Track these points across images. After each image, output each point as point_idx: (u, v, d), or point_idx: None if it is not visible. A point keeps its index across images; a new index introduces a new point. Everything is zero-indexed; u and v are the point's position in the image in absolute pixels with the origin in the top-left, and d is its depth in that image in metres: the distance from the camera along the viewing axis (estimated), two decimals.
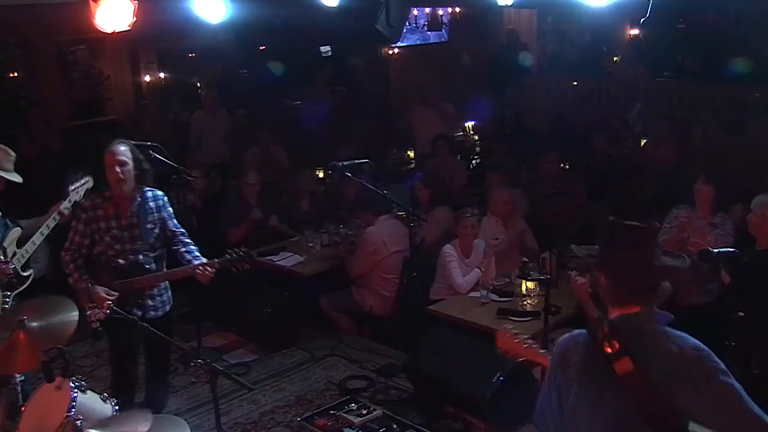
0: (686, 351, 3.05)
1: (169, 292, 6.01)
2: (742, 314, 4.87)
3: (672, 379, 2.99)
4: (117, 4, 5.60)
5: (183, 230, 5.97)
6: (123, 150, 5.56)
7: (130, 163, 5.57)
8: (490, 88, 14.52)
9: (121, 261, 5.63)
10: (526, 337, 4.11)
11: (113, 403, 4.34)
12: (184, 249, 5.89)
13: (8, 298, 5.87)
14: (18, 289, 5.94)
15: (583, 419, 3.13)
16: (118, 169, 5.51)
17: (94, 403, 4.18)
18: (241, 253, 5.70)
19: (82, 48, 11.66)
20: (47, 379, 4.19)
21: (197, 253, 5.89)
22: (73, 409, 3.97)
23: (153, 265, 5.77)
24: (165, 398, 6.25)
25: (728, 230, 6.46)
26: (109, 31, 5.72)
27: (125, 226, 5.66)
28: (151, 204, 5.77)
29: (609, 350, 3.02)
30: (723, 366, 3.05)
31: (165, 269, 5.91)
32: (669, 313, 3.22)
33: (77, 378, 4.17)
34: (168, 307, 5.96)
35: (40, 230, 6.04)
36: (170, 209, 5.92)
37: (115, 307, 5.16)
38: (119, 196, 5.63)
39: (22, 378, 4.85)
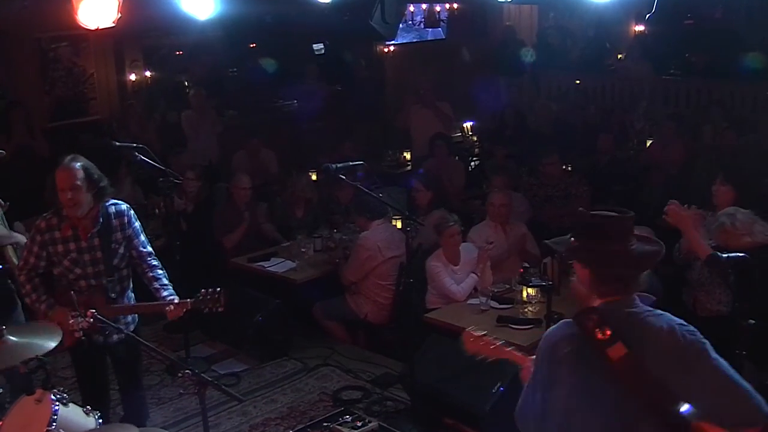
0: (675, 331, 3.17)
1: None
2: (753, 322, 4.86)
3: (664, 359, 3.11)
4: (101, 0, 5.60)
5: (150, 250, 5.71)
6: (75, 172, 5.24)
7: (83, 186, 5.26)
8: (489, 87, 14.54)
9: (82, 284, 5.40)
10: (493, 337, 4.13)
11: (96, 416, 4.32)
12: (151, 274, 5.63)
13: None
14: None
15: (578, 411, 3.19)
16: (69, 195, 5.23)
17: (76, 416, 4.17)
18: (215, 295, 5.45)
19: (64, 45, 11.64)
20: (26, 392, 4.16)
21: (166, 281, 5.65)
22: (54, 423, 3.95)
23: (115, 290, 5.51)
24: (144, 413, 6.13)
25: None
26: (92, 27, 5.72)
27: (85, 248, 5.40)
28: (114, 222, 5.50)
29: (600, 337, 3.13)
30: (710, 344, 3.15)
31: (130, 290, 5.73)
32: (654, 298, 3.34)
33: (59, 390, 4.15)
34: (132, 327, 5.74)
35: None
36: (137, 225, 5.64)
37: (98, 315, 5.13)
38: (75, 218, 5.36)
39: (0, 390, 4.83)
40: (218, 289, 5.44)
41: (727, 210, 5.84)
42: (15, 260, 6.10)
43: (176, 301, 5.49)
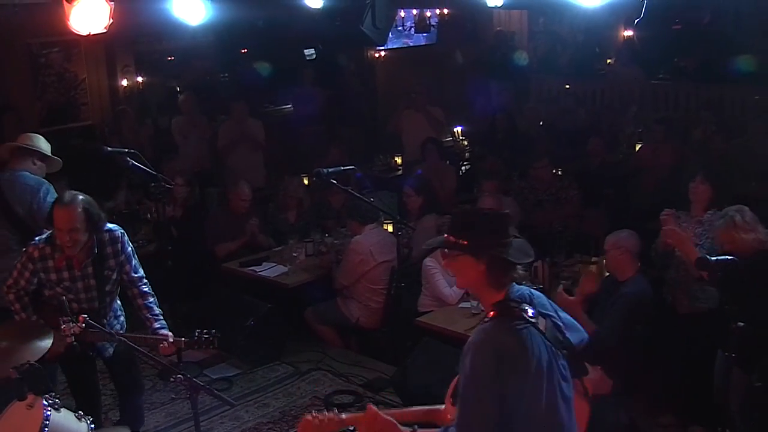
0: None
1: (122, 318, 5.86)
2: (741, 324, 4.88)
3: None
4: (92, 6, 5.59)
5: (142, 274, 5.71)
6: (75, 215, 5.23)
7: (82, 228, 5.26)
8: (480, 92, 14.55)
9: (74, 308, 5.37)
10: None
11: (89, 422, 4.31)
12: (143, 302, 5.65)
13: None
14: None
15: (542, 405, 3.36)
16: (67, 237, 5.24)
17: (68, 421, 4.15)
18: (209, 337, 5.37)
19: (56, 51, 11.62)
20: (18, 397, 4.14)
21: (157, 310, 5.66)
22: (46, 428, 3.93)
23: (106, 312, 5.56)
24: (140, 417, 6.14)
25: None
26: (84, 33, 5.71)
27: (78, 276, 5.42)
28: (108, 249, 5.50)
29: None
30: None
31: (118, 304, 5.77)
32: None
33: (50, 396, 4.13)
34: (119, 327, 5.77)
35: None
36: (129, 249, 5.64)
37: (90, 320, 5.12)
38: (70, 250, 5.35)
39: None
40: (213, 331, 5.39)
41: (734, 207, 5.85)
42: None
43: (171, 339, 5.46)
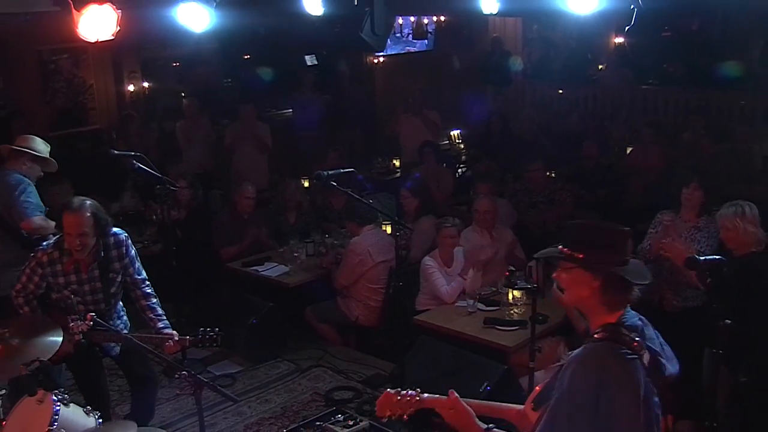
0: None
1: (125, 317, 5.88)
2: (729, 322, 4.89)
3: None
4: (100, 14, 5.59)
5: (144, 276, 5.76)
6: (84, 220, 5.29)
7: (90, 232, 5.32)
8: (476, 96, 14.56)
9: (80, 309, 5.37)
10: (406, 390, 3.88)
11: (97, 416, 4.31)
12: (146, 303, 5.69)
13: None
14: None
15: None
16: (77, 241, 5.29)
17: (77, 416, 4.16)
18: (213, 335, 5.43)
19: (65, 57, 11.66)
20: (29, 393, 4.15)
21: (160, 311, 5.70)
22: (56, 423, 3.94)
23: (111, 314, 5.61)
24: (151, 411, 6.17)
25: (712, 233, 6.49)
26: (92, 40, 5.70)
27: (85, 279, 5.47)
28: (113, 252, 5.55)
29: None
30: None
31: (120, 305, 5.80)
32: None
33: (60, 391, 4.14)
34: (125, 330, 5.79)
35: None
36: (133, 252, 5.69)
37: (97, 318, 5.13)
38: (78, 254, 5.40)
39: (3, 392, 4.82)
40: (217, 329, 5.44)
41: (745, 201, 5.87)
42: None
43: (176, 338, 5.51)
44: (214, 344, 5.46)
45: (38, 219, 6.34)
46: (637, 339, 3.21)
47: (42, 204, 6.49)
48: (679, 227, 6.63)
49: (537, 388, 3.53)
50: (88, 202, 5.40)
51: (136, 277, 5.69)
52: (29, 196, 6.18)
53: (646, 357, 3.22)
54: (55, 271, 5.43)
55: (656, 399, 3.23)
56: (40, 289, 5.49)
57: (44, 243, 5.58)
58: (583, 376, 3.17)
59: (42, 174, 6.66)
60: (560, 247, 3.35)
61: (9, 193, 6.43)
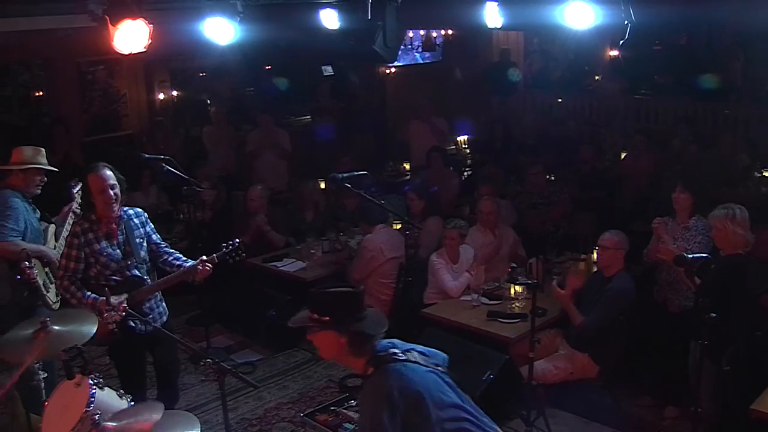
0: None
1: (164, 303, 5.86)
2: (714, 315, 4.89)
3: None
4: (134, 28, 5.60)
5: (164, 243, 5.83)
6: (107, 174, 5.37)
7: (116, 183, 5.39)
8: (481, 104, 14.55)
9: (118, 278, 5.45)
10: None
11: (129, 399, 4.34)
12: (170, 257, 5.73)
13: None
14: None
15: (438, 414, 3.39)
16: (110, 192, 5.34)
17: (111, 399, 4.18)
18: (236, 245, 5.60)
19: (101, 68, 11.73)
20: (67, 377, 4.19)
21: (183, 258, 5.74)
22: (92, 404, 3.96)
23: (147, 277, 5.62)
24: (176, 396, 6.13)
25: (700, 230, 6.47)
26: (126, 52, 5.72)
27: (117, 244, 5.49)
28: (135, 220, 5.61)
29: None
30: None
31: (160, 295, 5.80)
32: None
33: (95, 375, 4.16)
34: (165, 318, 5.81)
35: (64, 227, 6.27)
36: (151, 225, 5.77)
37: (129, 310, 5.15)
38: (108, 217, 5.44)
39: (45, 375, 4.86)
40: (237, 240, 5.57)
41: (737, 204, 5.86)
42: (38, 275, 6.10)
43: (204, 258, 5.56)
44: (241, 253, 5.61)
45: (7, 244, 5.97)
46: (395, 351, 3.45)
47: (24, 228, 6.13)
48: (674, 229, 6.62)
49: None
50: (101, 163, 5.46)
51: (158, 242, 5.75)
52: (8, 220, 6.04)
53: (414, 356, 3.47)
54: (89, 239, 5.42)
55: (444, 377, 3.50)
56: (81, 264, 5.43)
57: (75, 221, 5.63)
58: (375, 409, 3.31)
59: (45, 180, 6.39)
60: (308, 312, 3.56)
61: None
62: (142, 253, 5.60)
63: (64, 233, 6.23)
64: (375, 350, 3.47)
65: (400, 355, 3.42)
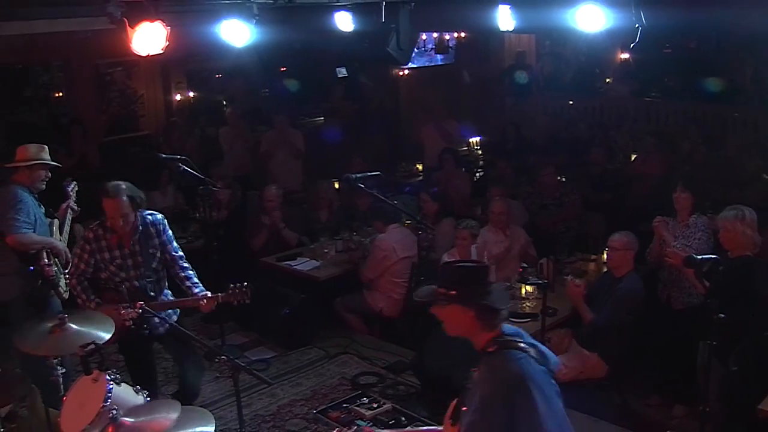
0: None
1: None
2: (722, 316, 4.88)
3: None
4: (151, 30, 5.62)
5: (181, 254, 5.83)
6: (121, 203, 5.39)
7: (128, 211, 5.42)
8: (493, 106, 14.52)
9: (123, 288, 5.50)
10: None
11: (144, 395, 4.36)
12: (183, 274, 5.75)
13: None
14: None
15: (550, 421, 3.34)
16: (120, 222, 5.40)
17: (127, 394, 4.20)
18: (243, 289, 5.55)
19: (119, 70, 11.77)
20: (85, 372, 4.22)
21: (196, 280, 5.76)
22: (109, 400, 3.98)
23: (154, 290, 5.64)
24: (196, 392, 6.19)
25: (700, 227, 6.45)
26: (143, 54, 5.74)
27: (128, 254, 5.54)
28: (152, 230, 5.63)
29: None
30: None
31: (166, 288, 5.85)
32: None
33: (112, 371, 4.19)
34: (175, 317, 5.85)
35: (65, 223, 6.51)
36: (170, 233, 5.77)
37: (146, 306, 5.18)
38: (121, 230, 5.50)
39: (63, 370, 4.89)
40: (245, 284, 5.54)
41: (746, 207, 5.84)
42: (49, 261, 6.22)
43: (209, 295, 5.58)
44: (245, 298, 5.54)
45: (21, 236, 6.08)
46: (520, 340, 3.46)
47: (34, 221, 6.22)
48: (675, 228, 6.61)
49: (452, 403, 3.72)
50: (123, 185, 5.47)
51: (174, 254, 5.75)
52: (20, 213, 6.13)
53: (533, 352, 3.44)
54: (101, 246, 5.50)
55: (553, 381, 3.46)
56: (90, 268, 5.53)
57: (91, 225, 5.67)
58: (491, 389, 3.35)
59: (50, 175, 6.43)
60: (436, 287, 3.56)
61: (5, 208, 6.17)
62: (154, 264, 5.64)
63: (66, 227, 6.48)
64: (503, 331, 3.50)
65: (524, 346, 3.44)
